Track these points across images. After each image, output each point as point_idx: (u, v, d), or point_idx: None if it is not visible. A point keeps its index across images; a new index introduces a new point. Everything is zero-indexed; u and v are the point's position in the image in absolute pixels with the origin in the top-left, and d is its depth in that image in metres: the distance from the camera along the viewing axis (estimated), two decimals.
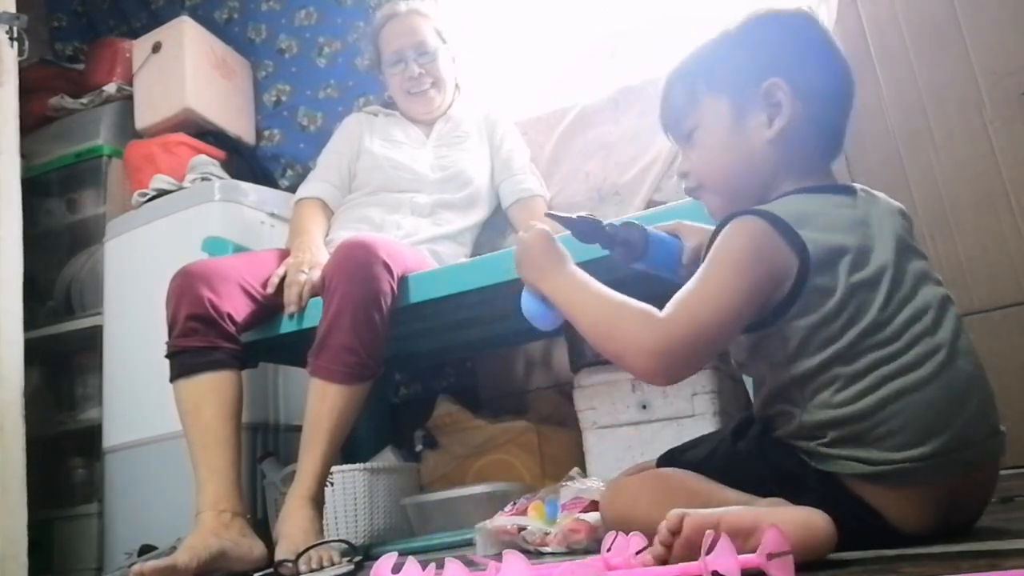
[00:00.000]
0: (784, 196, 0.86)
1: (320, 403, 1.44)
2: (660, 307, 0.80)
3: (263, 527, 1.83)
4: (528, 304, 0.94)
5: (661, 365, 0.77)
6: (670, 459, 0.93)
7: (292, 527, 1.38)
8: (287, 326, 1.59)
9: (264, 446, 2.02)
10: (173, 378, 1.52)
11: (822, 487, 0.78)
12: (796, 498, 0.77)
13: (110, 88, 2.59)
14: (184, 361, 1.50)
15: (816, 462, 0.80)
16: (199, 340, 1.49)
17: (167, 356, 1.53)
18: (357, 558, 1.33)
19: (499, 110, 2.09)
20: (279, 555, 1.33)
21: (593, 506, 1.16)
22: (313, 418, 1.45)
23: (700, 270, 0.80)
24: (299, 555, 1.30)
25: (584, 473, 1.33)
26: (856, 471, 0.77)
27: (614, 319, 0.80)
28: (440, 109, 2.01)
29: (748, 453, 0.86)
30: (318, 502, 1.44)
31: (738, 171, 0.87)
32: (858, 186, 0.88)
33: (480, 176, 1.95)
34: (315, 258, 1.65)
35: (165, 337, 1.54)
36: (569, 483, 1.28)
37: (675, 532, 0.71)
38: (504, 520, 1.24)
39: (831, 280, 0.78)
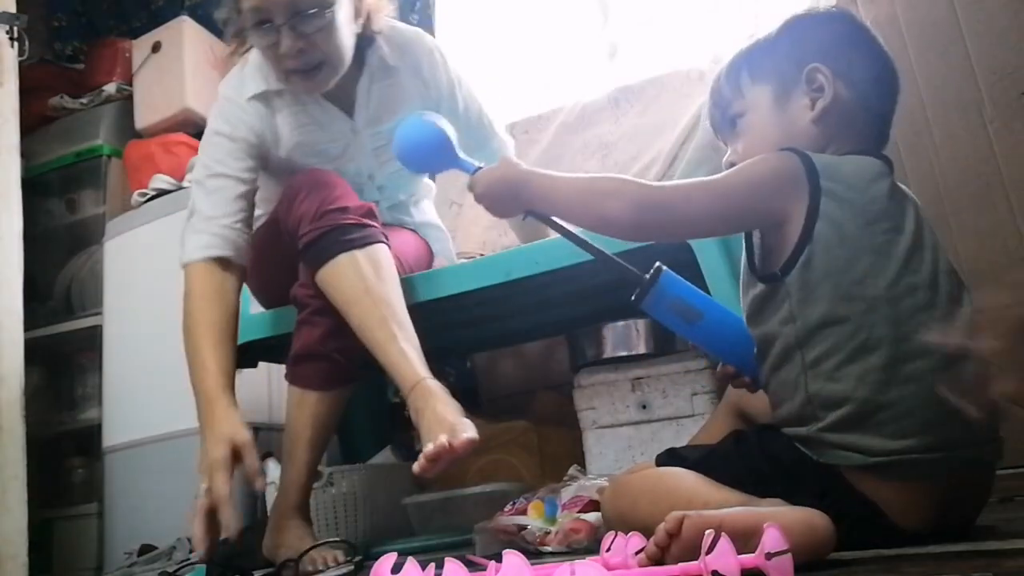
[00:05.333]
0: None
1: (300, 411, 1.42)
2: None
3: (263, 528, 1.82)
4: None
5: (637, 215, 0.86)
6: (670, 458, 0.93)
7: (288, 536, 1.38)
8: (287, 326, 1.59)
9: (264, 446, 2.02)
10: (341, 252, 1.33)
11: (822, 481, 0.79)
12: (796, 494, 0.77)
13: (110, 88, 2.60)
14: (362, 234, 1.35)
15: (816, 454, 0.80)
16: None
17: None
18: (357, 558, 1.33)
19: (434, 47, 1.58)
20: (281, 558, 1.33)
21: (593, 505, 1.16)
22: (293, 428, 1.42)
23: None
24: (301, 555, 1.30)
25: (583, 470, 1.33)
26: (855, 462, 0.77)
27: (597, 186, 0.90)
28: (345, 81, 1.48)
29: (748, 450, 0.86)
30: (304, 512, 1.43)
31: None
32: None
33: None
34: (213, 454, 1.22)
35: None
36: (570, 482, 1.28)
37: (672, 534, 0.71)
38: (504, 520, 1.24)
39: (838, 230, 0.80)
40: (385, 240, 1.40)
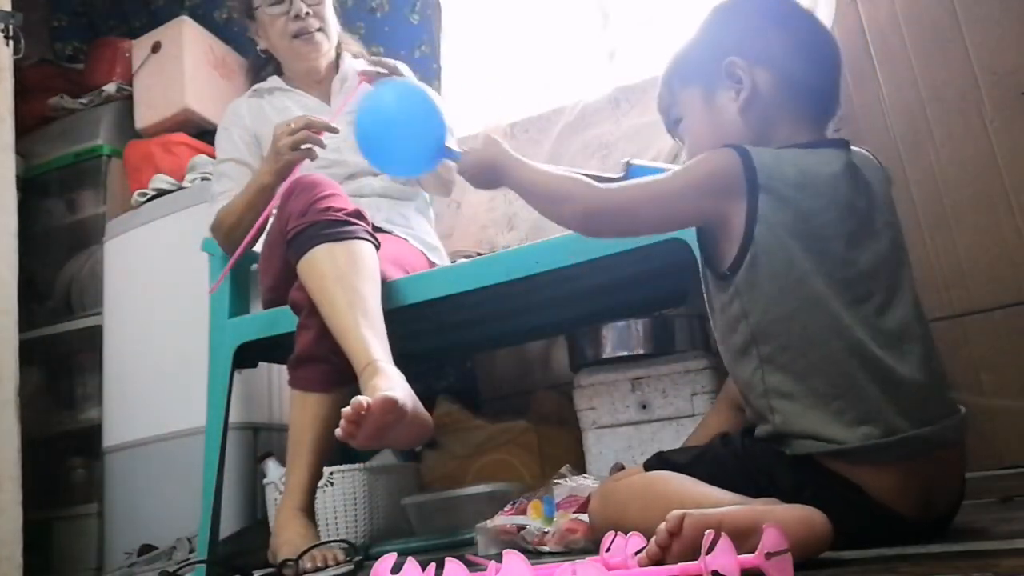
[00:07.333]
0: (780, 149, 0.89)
1: (302, 414, 1.43)
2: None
3: (263, 527, 1.83)
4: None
5: (586, 220, 0.93)
6: (658, 463, 0.93)
7: (291, 534, 1.38)
8: (286, 326, 1.59)
9: (264, 446, 2.02)
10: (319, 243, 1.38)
11: (801, 473, 0.80)
12: (782, 490, 0.78)
13: (110, 88, 2.59)
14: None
15: (786, 447, 0.81)
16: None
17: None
18: (357, 558, 1.33)
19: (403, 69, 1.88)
20: (282, 556, 1.33)
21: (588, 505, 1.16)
22: (297, 430, 1.43)
23: None
24: (301, 554, 1.30)
25: (575, 471, 1.33)
26: (822, 450, 0.79)
27: (555, 189, 0.96)
28: (327, 58, 1.85)
29: (734, 451, 0.87)
30: (310, 512, 1.44)
31: (719, 145, 0.91)
32: (857, 148, 0.91)
33: None
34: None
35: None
36: (561, 480, 1.28)
37: (674, 533, 0.71)
38: (504, 520, 1.24)
39: (777, 229, 0.81)
40: (370, 239, 1.44)
